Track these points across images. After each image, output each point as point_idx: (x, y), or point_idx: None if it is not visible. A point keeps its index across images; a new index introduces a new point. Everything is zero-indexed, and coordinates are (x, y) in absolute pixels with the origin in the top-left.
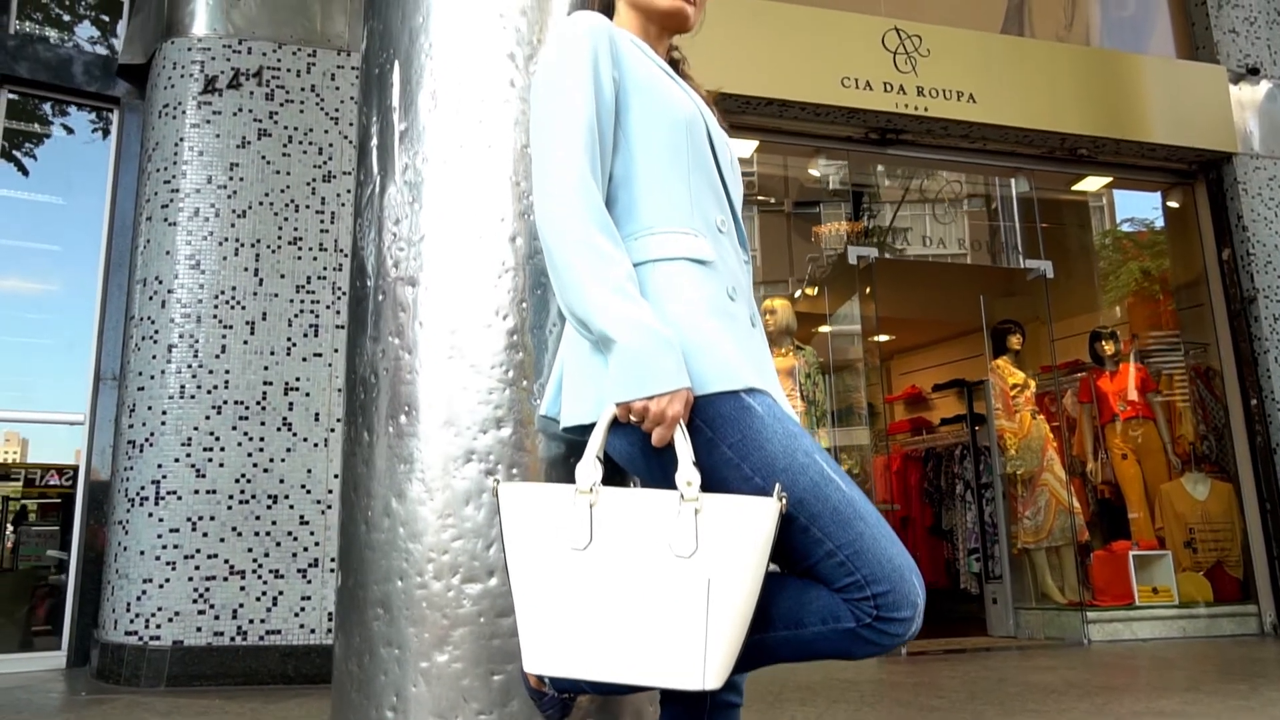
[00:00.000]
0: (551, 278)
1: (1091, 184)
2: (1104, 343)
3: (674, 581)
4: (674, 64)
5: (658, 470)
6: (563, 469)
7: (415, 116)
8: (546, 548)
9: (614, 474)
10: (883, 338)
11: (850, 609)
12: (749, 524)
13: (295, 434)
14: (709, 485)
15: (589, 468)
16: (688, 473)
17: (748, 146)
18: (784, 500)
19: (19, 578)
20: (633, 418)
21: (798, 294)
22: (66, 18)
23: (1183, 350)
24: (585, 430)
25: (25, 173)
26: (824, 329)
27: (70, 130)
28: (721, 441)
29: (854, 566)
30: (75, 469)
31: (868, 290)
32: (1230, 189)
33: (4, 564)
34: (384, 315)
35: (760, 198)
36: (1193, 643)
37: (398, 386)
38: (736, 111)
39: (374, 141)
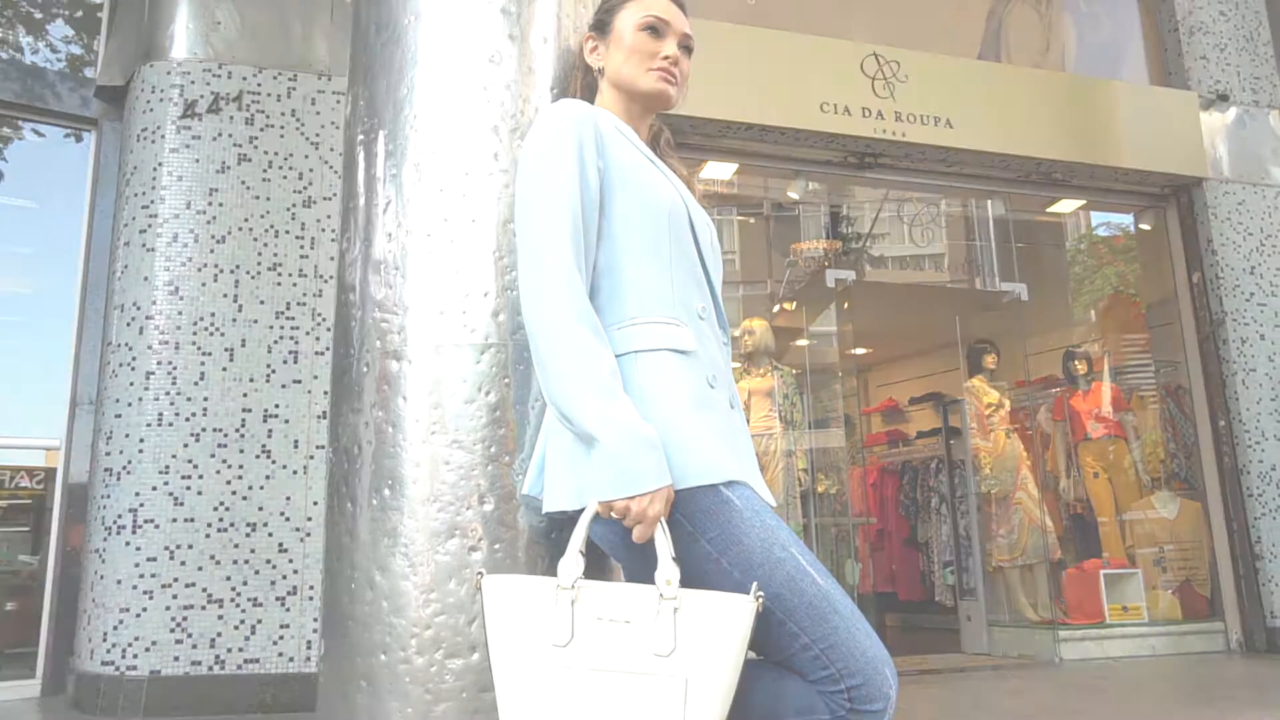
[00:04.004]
0: (536, 368)
1: (1066, 206)
2: (1077, 362)
3: (652, 681)
4: (655, 137)
5: (638, 560)
6: (545, 544)
7: (400, 188)
8: (528, 642)
9: (592, 548)
10: (860, 350)
11: (825, 700)
12: (726, 623)
13: (274, 461)
14: (688, 578)
15: (571, 563)
16: (667, 570)
17: (727, 170)
18: (760, 599)
19: None
20: (614, 514)
21: (776, 309)
22: (43, 38)
23: (1154, 368)
24: (566, 514)
25: None
26: (801, 343)
27: (45, 151)
28: (701, 536)
29: (829, 660)
30: (45, 471)
31: (845, 306)
32: (1200, 213)
33: None
34: (367, 388)
35: (739, 210)
36: (1161, 660)
37: (381, 460)
38: (716, 135)
39: (359, 210)
